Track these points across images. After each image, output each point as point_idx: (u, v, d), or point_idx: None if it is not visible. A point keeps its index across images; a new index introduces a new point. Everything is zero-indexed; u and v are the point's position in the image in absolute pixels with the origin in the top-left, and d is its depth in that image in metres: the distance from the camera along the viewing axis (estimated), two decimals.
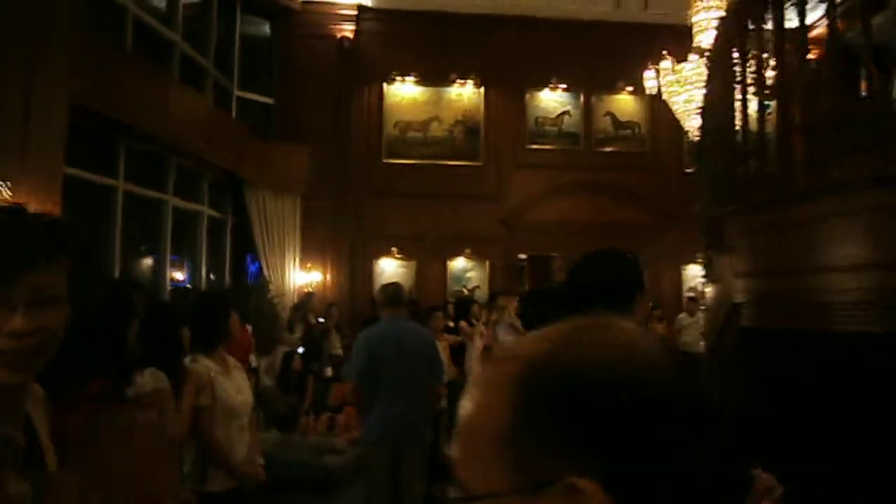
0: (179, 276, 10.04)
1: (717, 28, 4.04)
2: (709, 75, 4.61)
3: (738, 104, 3.80)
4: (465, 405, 0.58)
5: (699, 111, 7.31)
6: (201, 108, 9.35)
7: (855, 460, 3.32)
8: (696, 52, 6.44)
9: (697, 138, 6.30)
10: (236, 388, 3.02)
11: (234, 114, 10.85)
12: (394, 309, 4.34)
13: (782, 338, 3.65)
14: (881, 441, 3.37)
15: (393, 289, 4.52)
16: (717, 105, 4.18)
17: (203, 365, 2.92)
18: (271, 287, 10.37)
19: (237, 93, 11.02)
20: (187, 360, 2.90)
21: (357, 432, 5.74)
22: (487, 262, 12.36)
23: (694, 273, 11.92)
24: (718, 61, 4.18)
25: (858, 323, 3.12)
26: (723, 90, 4.05)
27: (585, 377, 0.53)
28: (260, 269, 10.92)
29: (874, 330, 3.07)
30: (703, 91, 7.32)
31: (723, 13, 7.15)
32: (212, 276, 10.23)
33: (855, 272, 3.08)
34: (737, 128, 3.85)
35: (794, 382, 3.70)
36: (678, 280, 12.75)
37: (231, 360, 3.13)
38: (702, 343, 7.69)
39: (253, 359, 7.23)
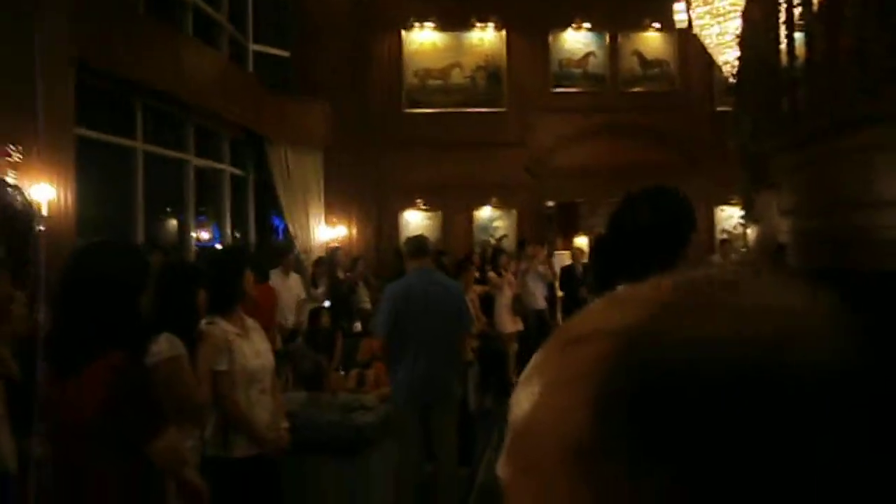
0: (205, 235, 10.01)
1: None
2: (748, 1, 4.29)
3: (782, 30, 3.50)
4: (521, 403, 0.39)
5: (735, 43, 6.94)
6: (217, 64, 9.15)
7: None
8: None
9: (735, 71, 5.96)
10: (255, 350, 2.90)
11: (250, 68, 10.62)
12: (420, 260, 4.20)
13: (833, 279, 3.43)
14: None
15: (417, 240, 4.38)
16: (757, 33, 3.87)
17: (220, 328, 2.79)
18: (297, 243, 10.28)
19: (253, 47, 10.77)
20: (203, 322, 2.77)
21: (387, 388, 5.68)
22: (514, 211, 12.15)
23: (727, 215, 11.60)
24: None
25: None
26: (764, 16, 3.75)
27: (711, 362, 0.33)
28: (285, 225, 10.83)
29: None
30: (738, 23, 6.94)
31: None
32: (237, 235, 10.17)
33: None
34: (781, 56, 3.56)
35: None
36: (711, 222, 12.39)
37: (249, 322, 3.01)
38: None
39: (286, 317, 7.18)
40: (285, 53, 11.33)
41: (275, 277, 7.30)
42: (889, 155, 2.91)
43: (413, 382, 4.04)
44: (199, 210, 9.46)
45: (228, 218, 9.79)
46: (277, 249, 9.58)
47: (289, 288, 7.50)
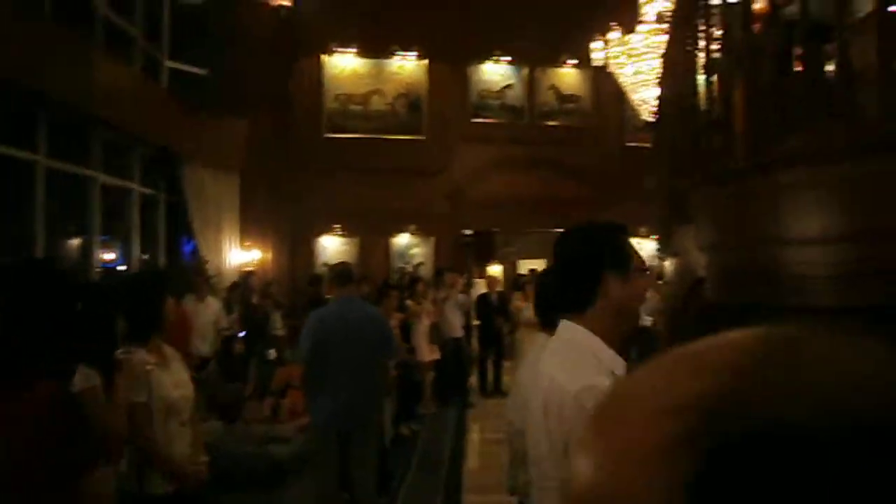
0: (110, 256, 9.53)
1: None
2: (668, 43, 4.48)
3: (700, 72, 3.67)
4: (587, 470, 0.35)
5: (649, 82, 7.24)
6: (129, 78, 8.80)
7: None
8: (658, 20, 6.32)
9: (649, 109, 6.21)
10: (175, 381, 2.75)
11: (165, 85, 10.27)
12: (343, 288, 4.12)
13: (748, 312, 3.58)
14: None
15: (342, 268, 4.31)
16: (676, 74, 4.04)
17: (138, 357, 2.63)
18: (209, 267, 9.93)
19: (168, 63, 10.43)
20: (120, 352, 2.61)
21: (305, 418, 5.53)
22: (432, 239, 12.19)
23: (638, 248, 11.99)
24: (679, 30, 4.05)
25: (824, 297, 3.06)
26: (684, 59, 3.92)
27: (818, 429, 0.31)
28: (196, 247, 10.45)
29: (840, 304, 3.01)
30: (653, 63, 7.25)
31: None
32: (145, 257, 9.73)
33: (821, 245, 3.00)
34: (699, 97, 3.73)
35: None
36: None
37: (169, 351, 2.85)
38: (648, 318, 7.69)
39: (197, 344, 6.89)
40: (203, 72, 11.03)
41: (189, 303, 7.01)
42: (801, 195, 3.07)
43: (334, 410, 3.95)
44: (105, 230, 9.01)
45: (137, 239, 9.37)
46: (188, 273, 9.22)
47: (203, 314, 7.22)
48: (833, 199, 2.93)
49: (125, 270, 8.89)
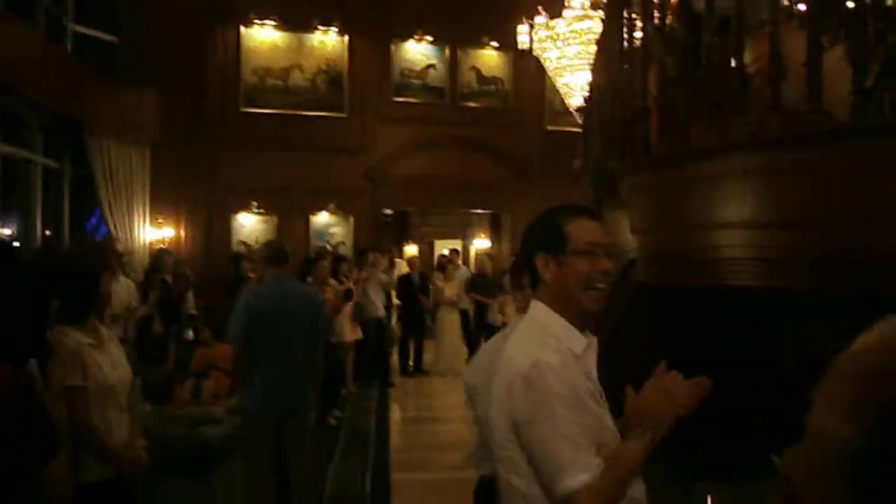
0: (8, 232, 8.97)
1: None
2: (603, 29, 4.58)
3: (636, 59, 3.78)
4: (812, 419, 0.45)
5: (575, 67, 7.38)
6: (29, 41, 8.23)
7: (746, 410, 3.48)
8: (592, 5, 6.43)
9: (585, 93, 6.33)
10: (112, 363, 2.63)
11: (70, 51, 9.69)
12: (277, 268, 4.03)
13: (678, 293, 3.74)
14: (769, 390, 3.56)
15: (276, 246, 4.20)
16: (612, 60, 4.14)
17: (72, 339, 2.50)
18: (119, 244, 9.49)
19: (73, 27, 9.83)
20: (52, 333, 2.47)
21: (231, 400, 5.39)
22: (351, 217, 12.06)
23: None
24: (613, 16, 4.14)
25: (749, 279, 3.23)
26: (618, 45, 4.02)
27: None
28: (103, 223, 9.96)
29: (761, 285, 3.19)
30: (577, 49, 7.38)
31: None
32: (48, 233, 9.21)
33: (744, 229, 3.17)
34: (634, 84, 3.84)
35: (687, 337, 3.81)
36: None
37: (105, 331, 2.72)
38: None
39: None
40: (112, 38, 10.46)
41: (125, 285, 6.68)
42: (731, 182, 3.22)
43: (269, 393, 3.87)
44: (2, 204, 8.47)
45: (39, 214, 8.84)
46: (97, 250, 8.79)
47: (117, 294, 6.88)
48: (759, 186, 3.09)
49: (25, 248, 8.38)
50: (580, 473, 1.52)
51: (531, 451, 1.59)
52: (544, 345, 1.66)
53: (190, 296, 8.60)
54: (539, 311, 1.74)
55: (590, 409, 1.63)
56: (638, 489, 1.69)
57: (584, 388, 1.65)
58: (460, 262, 11.03)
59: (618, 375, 1.93)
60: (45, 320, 2.27)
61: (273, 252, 4.09)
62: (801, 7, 4.57)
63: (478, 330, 9.87)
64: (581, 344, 1.70)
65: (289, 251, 4.16)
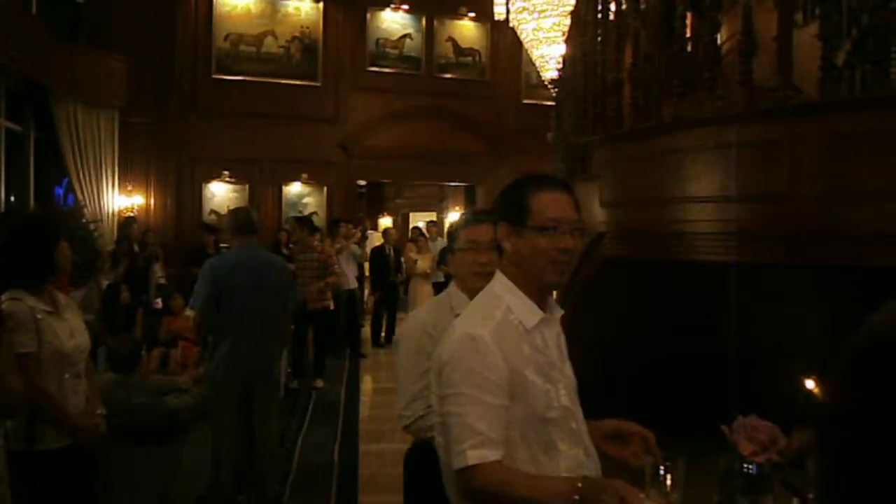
0: None
1: None
2: (577, 2, 4.53)
3: (610, 32, 3.74)
4: None
5: (551, 40, 7.31)
6: None
7: (711, 382, 3.51)
8: None
9: (548, 65, 6.29)
10: (69, 330, 2.57)
11: (34, 10, 9.39)
12: (245, 236, 3.97)
13: (645, 267, 3.75)
14: (731, 364, 3.60)
15: (244, 214, 4.14)
16: (585, 32, 4.10)
17: (25, 304, 2.44)
18: (86, 211, 9.32)
19: None
20: (4, 298, 2.41)
21: (198, 369, 5.35)
22: (325, 188, 11.95)
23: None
24: None
25: (715, 253, 3.25)
26: (593, 17, 3.98)
27: None
28: (70, 190, 9.76)
29: (727, 259, 3.21)
30: (554, 20, 7.31)
31: None
32: (12, 199, 9.00)
33: (714, 203, 3.18)
34: (607, 57, 3.81)
35: (655, 311, 3.84)
36: None
37: (62, 298, 2.65)
38: None
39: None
40: None
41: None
42: (700, 156, 3.22)
43: (236, 361, 3.83)
44: None
45: (2, 179, 8.62)
46: (57, 217, 8.60)
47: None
48: (728, 161, 3.09)
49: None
50: (477, 449, 1.50)
51: (441, 421, 1.61)
52: (488, 317, 1.63)
53: (157, 265, 8.50)
54: (497, 281, 1.71)
55: (528, 383, 1.60)
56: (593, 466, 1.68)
57: (524, 361, 1.61)
58: (437, 234, 10.98)
59: (577, 351, 1.93)
60: None
61: (240, 219, 4.03)
62: None
63: None
64: (534, 318, 1.66)
65: (256, 219, 4.10)
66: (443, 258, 10.71)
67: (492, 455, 1.50)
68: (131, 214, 9.77)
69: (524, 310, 1.66)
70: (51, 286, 2.61)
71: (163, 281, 8.48)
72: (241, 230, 3.96)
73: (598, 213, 3.84)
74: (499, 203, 1.77)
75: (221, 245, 8.60)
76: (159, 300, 7.55)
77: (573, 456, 1.64)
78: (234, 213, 4.23)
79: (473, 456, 1.49)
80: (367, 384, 8.08)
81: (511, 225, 1.67)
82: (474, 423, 1.51)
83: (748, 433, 1.60)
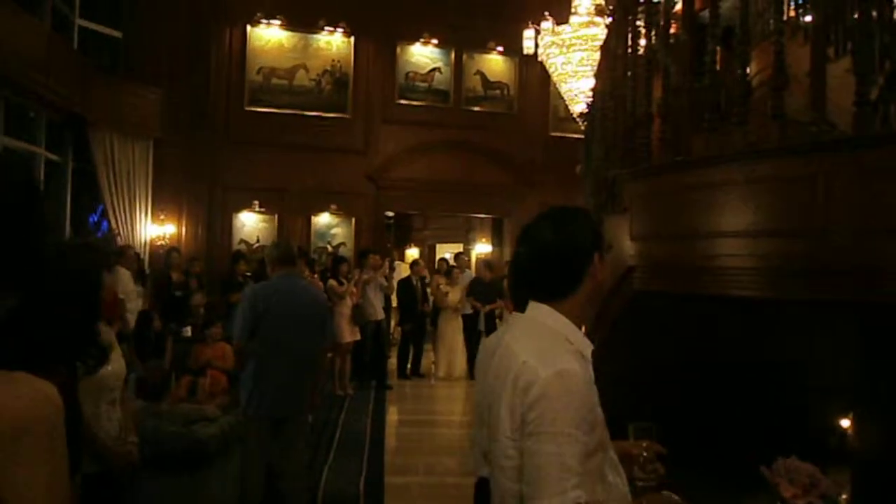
0: None
1: None
2: (607, 35, 4.57)
3: (640, 66, 3.77)
4: None
5: (579, 74, 7.38)
6: (36, 34, 8.25)
7: (740, 415, 3.46)
8: (598, 12, 6.42)
9: (589, 100, 6.32)
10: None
11: (75, 45, 9.70)
12: (287, 267, 4.01)
13: (676, 301, 3.72)
14: (762, 395, 3.54)
15: (285, 245, 4.20)
16: (615, 66, 4.13)
17: None
18: (119, 240, 9.49)
19: (79, 22, 9.85)
20: None
21: (225, 397, 5.38)
22: (353, 219, 12.05)
23: None
24: (618, 21, 4.13)
25: (746, 288, 3.21)
26: (622, 51, 4.01)
27: None
28: (104, 217, 9.95)
29: (760, 294, 3.17)
30: (581, 55, 7.37)
31: None
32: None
33: (744, 238, 3.15)
34: (637, 91, 3.82)
35: (686, 346, 3.80)
36: None
37: (100, 326, 2.70)
38: None
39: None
40: (117, 33, 10.47)
41: (123, 278, 6.64)
42: (731, 191, 3.21)
43: (271, 395, 3.84)
44: None
45: None
46: (102, 245, 8.76)
47: (133, 293, 6.84)
48: (760, 195, 3.07)
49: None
50: (577, 490, 1.46)
51: (524, 462, 1.53)
52: (562, 350, 1.59)
53: (200, 295, 8.60)
54: (549, 316, 1.66)
55: (598, 414, 1.58)
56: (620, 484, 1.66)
57: (597, 396, 1.60)
58: (466, 266, 11.00)
59: (606, 385, 1.91)
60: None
61: (282, 251, 4.08)
62: (808, 19, 4.57)
63: (469, 335, 9.88)
64: (589, 347, 1.67)
65: (295, 251, 4.16)
66: (473, 290, 10.71)
67: (584, 495, 1.48)
68: (175, 246, 9.87)
69: (581, 340, 1.65)
70: None
71: (200, 310, 8.54)
72: (282, 260, 4.01)
73: (628, 247, 3.82)
74: (585, 234, 1.72)
75: (247, 274, 8.68)
76: (189, 328, 7.62)
77: (616, 484, 1.64)
78: (276, 245, 4.30)
79: (573, 497, 1.46)
80: (392, 416, 8.06)
81: (600, 255, 1.72)
82: (572, 463, 1.48)
83: (789, 475, 1.57)
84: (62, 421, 1.03)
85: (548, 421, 1.50)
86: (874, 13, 3.02)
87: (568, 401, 1.50)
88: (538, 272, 1.71)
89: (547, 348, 1.60)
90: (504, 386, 1.59)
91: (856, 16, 3.64)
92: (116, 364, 2.68)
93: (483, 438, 1.71)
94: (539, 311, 1.68)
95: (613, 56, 4.17)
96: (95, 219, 10.31)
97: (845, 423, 3.94)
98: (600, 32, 6.98)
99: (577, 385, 1.52)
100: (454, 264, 10.74)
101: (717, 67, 3.47)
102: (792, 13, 4.88)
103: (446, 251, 14.89)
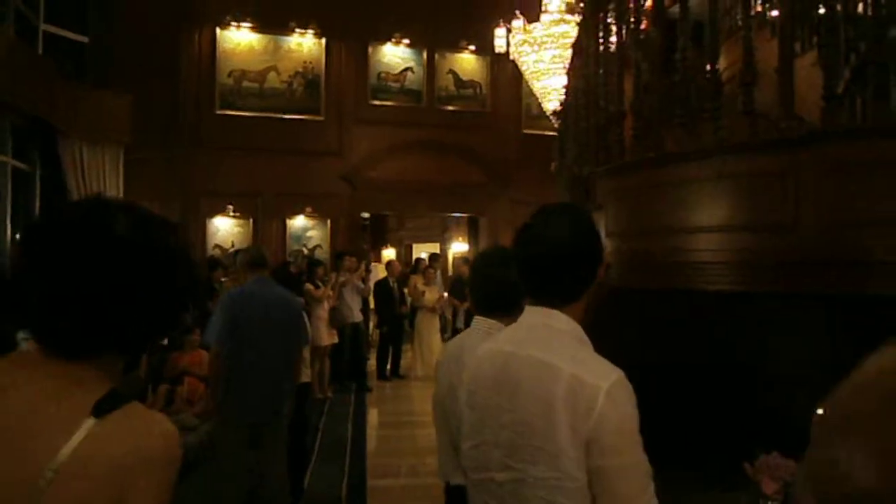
0: None
1: None
2: (578, 33, 4.59)
3: (612, 64, 3.79)
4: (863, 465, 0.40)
5: (552, 72, 7.40)
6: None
7: (716, 410, 3.49)
8: (569, 10, 6.45)
9: (562, 97, 6.34)
10: None
11: (40, 51, 9.53)
12: (258, 271, 3.98)
13: (651, 297, 3.75)
14: (738, 389, 3.58)
15: (256, 250, 4.17)
16: (588, 64, 4.15)
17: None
18: None
19: (44, 27, 9.68)
20: (22, 338, 2.42)
21: (202, 404, 5.33)
22: (329, 221, 12.00)
23: None
24: (589, 19, 4.15)
25: (720, 282, 3.25)
26: (594, 48, 4.03)
27: None
28: None
29: (733, 288, 3.21)
30: (553, 52, 7.40)
31: None
32: (17, 236, 9.05)
33: (717, 233, 3.19)
34: (610, 89, 3.85)
35: (660, 339, 3.83)
36: None
37: None
38: None
39: None
40: (83, 38, 10.30)
41: None
42: (704, 186, 3.24)
43: (249, 401, 3.81)
44: None
45: (9, 216, 8.68)
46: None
47: None
48: (732, 191, 3.11)
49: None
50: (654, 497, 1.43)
51: (600, 479, 1.43)
52: (595, 357, 1.53)
53: None
54: (554, 318, 1.58)
55: None
56: None
57: None
58: (442, 269, 10.99)
59: None
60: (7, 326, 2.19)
61: (252, 256, 4.05)
62: (774, 14, 4.63)
63: (452, 334, 9.89)
64: None
65: (268, 255, 4.12)
66: (454, 289, 10.60)
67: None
68: None
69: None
70: None
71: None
72: (253, 264, 3.98)
73: (603, 244, 3.85)
74: (594, 241, 1.69)
75: (223, 280, 8.61)
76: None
77: None
78: (247, 250, 4.29)
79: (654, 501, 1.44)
80: (373, 418, 8.03)
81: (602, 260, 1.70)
82: (649, 467, 1.45)
83: (771, 472, 1.59)
84: (179, 458, 1.13)
85: (627, 431, 1.44)
86: (839, 7, 3.07)
87: (633, 405, 1.45)
88: (558, 274, 1.61)
89: (587, 357, 1.53)
90: (552, 406, 1.47)
91: (821, 11, 3.70)
92: None
93: (447, 447, 1.66)
94: (550, 317, 1.59)
95: (585, 53, 4.19)
96: None
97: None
98: (571, 30, 7.02)
99: (632, 395, 1.46)
100: (429, 264, 10.69)
101: (688, 63, 3.49)
102: (758, 8, 4.95)
103: (423, 251, 14.85)
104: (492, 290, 2.48)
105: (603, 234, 3.84)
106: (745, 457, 1.76)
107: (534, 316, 1.62)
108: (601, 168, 3.88)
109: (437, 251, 14.04)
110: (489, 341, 1.76)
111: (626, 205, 3.73)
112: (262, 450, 3.93)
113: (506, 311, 2.36)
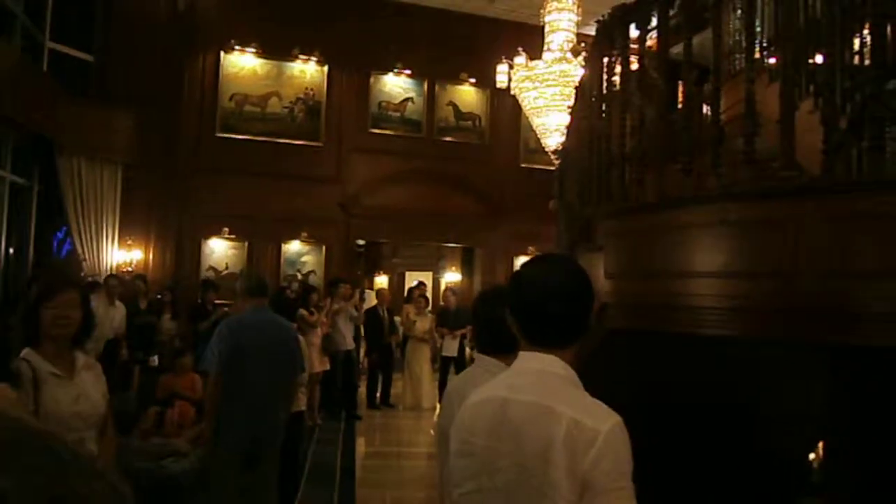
0: None
1: (596, 30, 4.08)
2: (583, 75, 4.67)
3: (615, 106, 3.85)
4: None
5: (552, 109, 7.50)
6: (5, 55, 8.14)
7: (712, 451, 3.51)
8: (573, 51, 6.56)
9: (562, 137, 6.42)
10: (75, 395, 2.54)
11: (45, 68, 9.59)
12: (257, 299, 3.98)
13: (649, 339, 3.77)
14: (735, 430, 3.60)
15: (256, 278, 4.16)
16: (591, 105, 4.22)
17: (28, 366, 2.43)
18: (85, 265, 9.33)
19: (50, 45, 9.75)
20: (16, 359, 2.41)
21: (194, 428, 5.28)
22: (324, 247, 12.01)
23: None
24: (593, 61, 4.23)
25: (719, 327, 3.28)
26: (598, 90, 4.10)
27: None
28: (68, 242, 9.78)
29: (730, 333, 3.24)
30: (554, 90, 7.50)
31: (575, 15, 7.38)
32: (10, 251, 9.02)
33: (716, 279, 3.23)
34: (612, 130, 3.91)
35: (660, 383, 3.85)
36: (511, 271, 13.12)
37: (82, 359, 2.64)
38: None
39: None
40: (88, 57, 10.38)
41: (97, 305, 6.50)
42: (704, 232, 3.29)
43: (245, 428, 3.79)
44: None
45: (4, 230, 8.66)
46: (63, 270, 8.61)
47: (111, 319, 6.66)
48: (731, 237, 3.15)
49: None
50: None
51: None
52: (593, 399, 1.55)
53: (172, 324, 8.45)
54: (549, 363, 1.61)
55: None
56: None
57: None
58: (429, 294, 10.95)
59: None
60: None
61: (252, 284, 4.05)
62: (772, 61, 4.73)
63: (441, 363, 9.88)
64: None
65: (267, 283, 4.13)
66: (442, 319, 10.54)
67: None
68: (141, 274, 9.67)
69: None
70: (68, 344, 2.59)
71: (165, 339, 8.37)
72: (253, 292, 3.98)
73: (602, 284, 3.88)
74: (588, 287, 1.70)
75: (217, 302, 8.59)
76: (156, 358, 7.48)
77: None
78: (246, 276, 4.27)
79: None
80: (361, 447, 7.98)
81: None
82: None
83: None
84: None
85: (621, 474, 1.47)
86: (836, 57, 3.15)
87: (628, 450, 1.48)
88: (554, 321, 1.62)
89: (586, 401, 1.56)
90: (551, 448, 1.50)
91: (818, 60, 3.79)
92: (86, 403, 2.57)
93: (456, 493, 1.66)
94: (546, 363, 1.62)
95: (588, 95, 4.26)
96: (60, 237, 10.14)
97: (814, 456, 4.02)
98: (572, 69, 7.13)
99: (626, 433, 1.50)
100: (421, 293, 10.65)
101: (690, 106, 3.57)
102: (756, 54, 5.05)
103: (416, 279, 14.87)
104: (495, 332, 2.51)
105: (602, 275, 3.89)
106: (738, 498, 1.78)
107: (530, 361, 1.64)
108: (602, 210, 3.93)
109: (430, 280, 14.03)
110: (482, 388, 1.76)
111: (626, 247, 3.77)
112: (254, 475, 3.91)
113: (509, 351, 2.40)
